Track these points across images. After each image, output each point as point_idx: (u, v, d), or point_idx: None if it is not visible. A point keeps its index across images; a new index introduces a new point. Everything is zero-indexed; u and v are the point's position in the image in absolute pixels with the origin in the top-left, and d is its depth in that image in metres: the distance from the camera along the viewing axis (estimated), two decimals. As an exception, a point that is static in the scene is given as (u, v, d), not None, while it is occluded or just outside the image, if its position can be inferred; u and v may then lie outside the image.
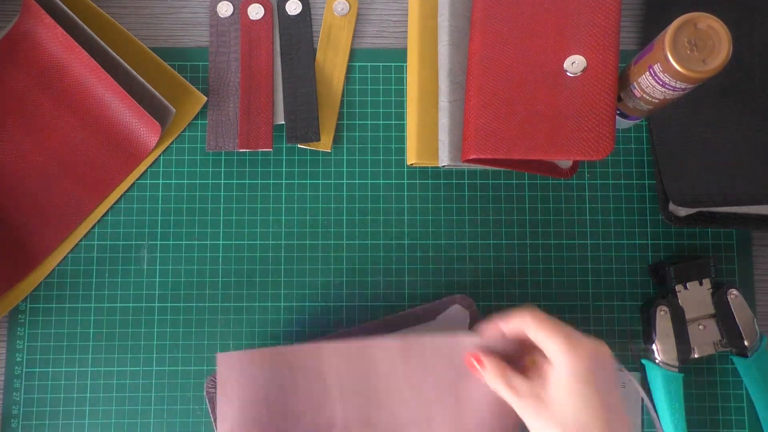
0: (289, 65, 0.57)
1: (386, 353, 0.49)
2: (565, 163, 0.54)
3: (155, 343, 0.54)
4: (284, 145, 0.57)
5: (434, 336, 0.48)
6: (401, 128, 0.57)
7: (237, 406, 0.48)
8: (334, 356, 0.49)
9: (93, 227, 0.55)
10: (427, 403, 0.48)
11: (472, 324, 0.53)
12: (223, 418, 0.48)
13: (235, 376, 0.49)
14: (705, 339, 0.53)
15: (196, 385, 0.54)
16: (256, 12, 0.57)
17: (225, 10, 0.57)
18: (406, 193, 0.56)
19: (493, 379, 0.45)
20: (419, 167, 0.57)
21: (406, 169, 0.57)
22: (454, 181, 0.57)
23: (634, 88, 0.49)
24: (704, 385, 0.55)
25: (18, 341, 0.54)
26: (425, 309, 0.53)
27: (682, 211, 0.54)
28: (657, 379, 0.52)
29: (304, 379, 0.49)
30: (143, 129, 0.55)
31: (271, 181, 0.56)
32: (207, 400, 0.51)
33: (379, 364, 0.49)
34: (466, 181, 0.57)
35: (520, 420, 0.44)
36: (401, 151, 0.57)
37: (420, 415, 0.48)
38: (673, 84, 0.45)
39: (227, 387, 0.48)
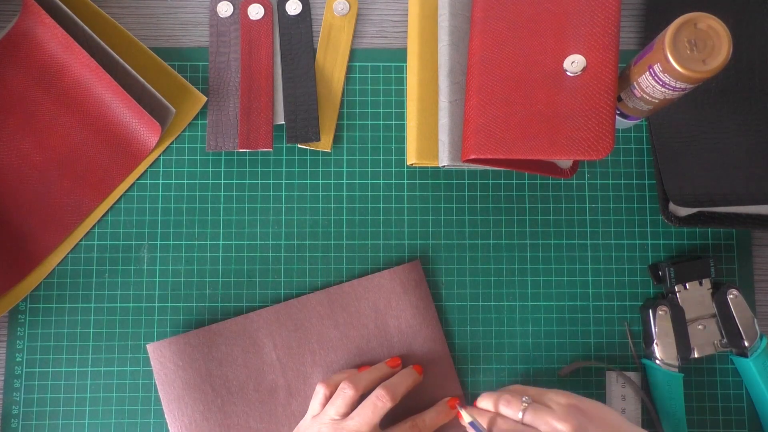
0: (289, 65, 0.57)
1: (311, 308, 0.53)
2: (565, 163, 0.54)
3: (155, 343, 0.54)
4: (284, 145, 0.57)
5: (352, 281, 0.54)
6: (401, 128, 0.57)
7: (179, 386, 0.52)
8: (264, 323, 0.53)
9: (93, 227, 0.55)
10: (355, 346, 0.53)
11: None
12: (169, 400, 0.51)
13: (171, 362, 0.52)
14: (705, 339, 0.53)
15: (196, 385, 0.54)
16: (256, 12, 0.57)
17: (225, 10, 0.57)
18: (406, 193, 0.56)
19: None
20: (419, 167, 0.57)
21: (406, 169, 0.57)
22: (454, 181, 0.57)
23: (634, 88, 0.49)
24: (704, 385, 0.55)
25: (18, 341, 0.54)
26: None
27: (682, 211, 0.54)
28: (657, 379, 0.52)
29: (240, 351, 0.53)
30: (143, 129, 0.55)
31: (271, 181, 0.56)
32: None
33: (306, 319, 0.53)
34: (466, 181, 0.57)
35: (439, 341, 0.53)
36: (401, 151, 0.57)
37: (352, 358, 0.53)
38: (673, 84, 0.45)
39: (165, 373, 0.52)
